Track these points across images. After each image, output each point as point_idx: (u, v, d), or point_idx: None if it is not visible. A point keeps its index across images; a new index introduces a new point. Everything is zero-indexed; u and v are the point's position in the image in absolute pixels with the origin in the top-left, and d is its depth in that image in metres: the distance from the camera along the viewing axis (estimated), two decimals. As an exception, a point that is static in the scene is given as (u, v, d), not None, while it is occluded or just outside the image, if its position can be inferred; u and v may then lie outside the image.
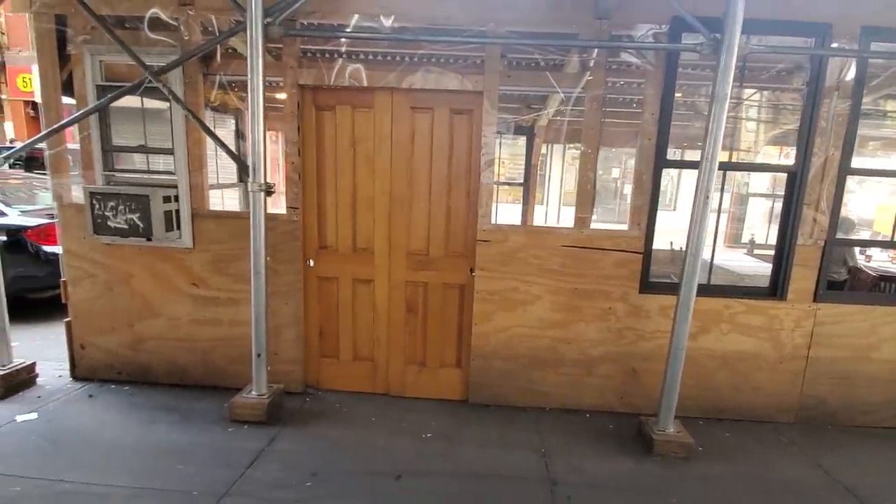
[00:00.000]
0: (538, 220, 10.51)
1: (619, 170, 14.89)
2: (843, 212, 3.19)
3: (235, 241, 3.20)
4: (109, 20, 2.94)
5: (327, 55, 3.14)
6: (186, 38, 3.01)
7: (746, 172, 8.45)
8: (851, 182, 3.12)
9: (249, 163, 2.77)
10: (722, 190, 3.26)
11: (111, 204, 3.06)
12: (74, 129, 3.22)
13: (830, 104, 2.95)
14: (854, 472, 2.78)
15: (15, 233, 4.55)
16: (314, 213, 3.28)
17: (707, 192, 2.61)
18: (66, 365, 3.46)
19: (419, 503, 2.37)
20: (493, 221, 3.16)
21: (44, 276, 4.56)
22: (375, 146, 3.18)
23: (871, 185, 8.52)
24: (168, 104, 3.11)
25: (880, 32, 2.86)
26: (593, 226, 3.16)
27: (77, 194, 3.24)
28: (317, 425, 3.01)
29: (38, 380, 3.38)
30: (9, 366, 3.23)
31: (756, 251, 6.27)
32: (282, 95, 3.13)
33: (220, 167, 4.26)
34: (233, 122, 4.82)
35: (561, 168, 13.57)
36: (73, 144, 3.34)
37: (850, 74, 2.94)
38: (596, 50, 2.96)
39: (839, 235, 3.20)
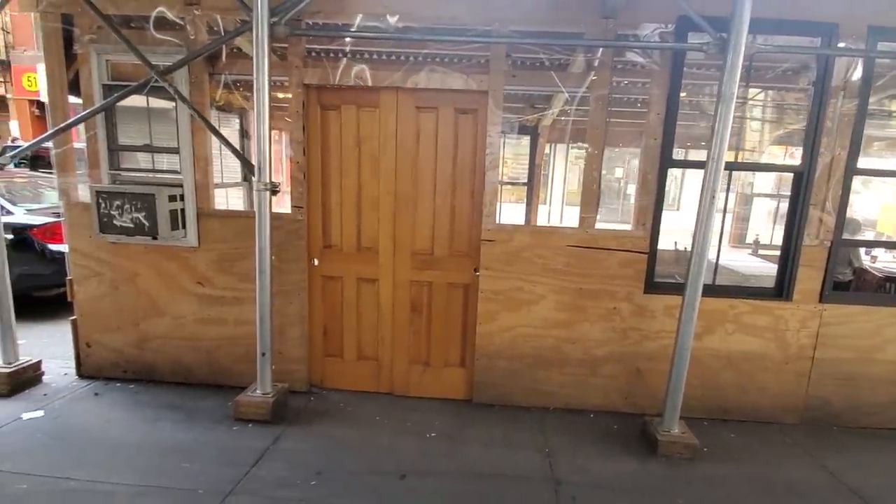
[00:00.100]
0: (541, 219, 10.50)
1: (623, 169, 14.86)
2: (849, 212, 3.17)
3: (240, 240, 3.21)
4: (115, 19, 2.95)
5: (332, 55, 3.14)
6: (192, 37, 3.02)
7: (751, 172, 8.42)
8: (856, 182, 3.11)
9: (255, 162, 2.78)
10: (728, 190, 3.25)
11: (117, 203, 3.07)
12: (80, 128, 3.24)
13: (837, 104, 2.94)
14: (859, 474, 2.77)
15: (21, 231, 4.57)
16: (319, 212, 3.28)
17: (713, 192, 2.60)
18: (72, 363, 3.48)
19: (423, 503, 2.37)
20: (497, 221, 3.16)
21: (49, 274, 4.58)
22: (380, 146, 3.18)
23: (875, 186, 8.48)
24: (173, 103, 3.12)
25: (887, 32, 2.85)
26: (597, 226, 3.15)
27: (83, 193, 3.25)
28: (321, 424, 3.02)
29: (43, 378, 3.40)
30: (15, 364, 3.25)
31: (760, 251, 6.25)
32: (287, 95, 3.13)
33: (225, 166, 4.26)
34: (237, 121, 4.82)
35: (564, 168, 13.56)
36: (80, 143, 3.36)
37: (857, 74, 2.92)
38: (601, 49, 2.95)
39: (845, 236, 3.18)
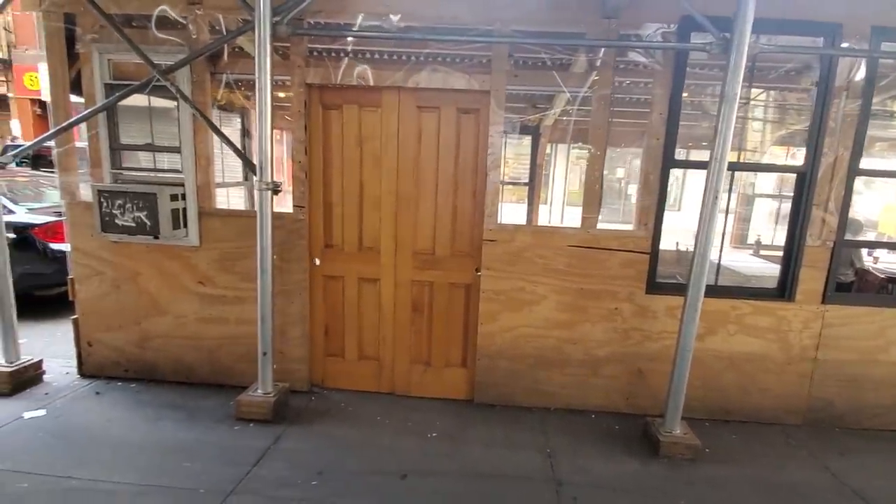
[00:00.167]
0: (542, 220, 10.49)
1: (624, 170, 14.84)
2: (851, 213, 3.16)
3: (242, 239, 3.21)
4: (118, 19, 2.95)
5: (334, 54, 3.14)
6: (194, 36, 3.02)
7: (752, 172, 8.40)
8: (858, 183, 3.10)
9: (256, 161, 2.78)
10: (730, 190, 3.24)
11: (119, 202, 3.07)
12: (82, 127, 3.24)
13: (840, 104, 2.93)
14: (862, 475, 2.76)
15: (22, 230, 4.57)
16: (320, 211, 3.28)
17: (716, 192, 2.59)
18: (74, 362, 3.48)
19: (425, 503, 2.37)
20: (498, 221, 3.16)
21: (51, 273, 4.58)
22: (382, 145, 3.17)
23: (876, 187, 8.46)
24: (175, 103, 3.12)
25: (890, 32, 2.84)
26: (599, 226, 3.15)
27: (85, 192, 3.25)
28: (322, 424, 3.02)
29: (45, 377, 3.40)
30: (16, 363, 3.25)
31: (762, 252, 6.24)
32: (289, 94, 3.13)
33: (226, 166, 4.27)
34: (239, 120, 4.82)
35: (565, 168, 13.55)
36: (81, 143, 3.36)
37: (860, 74, 2.92)
38: (603, 49, 2.95)
39: (847, 237, 3.18)
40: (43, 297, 4.74)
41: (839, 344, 3.17)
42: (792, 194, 3.16)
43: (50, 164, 5.08)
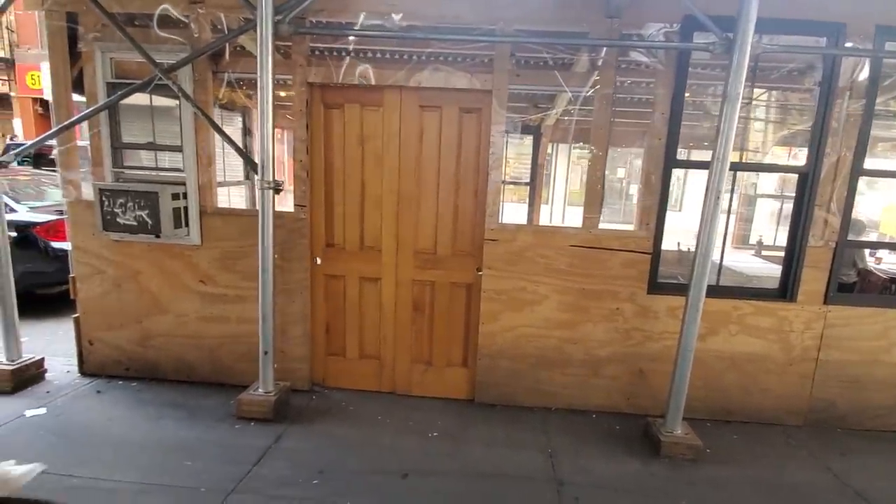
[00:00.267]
0: (544, 219, 10.48)
1: (626, 170, 14.82)
2: (853, 213, 3.15)
3: (243, 238, 3.21)
4: (120, 17, 2.95)
5: (336, 53, 3.14)
6: (196, 35, 3.02)
7: (754, 173, 8.39)
8: (861, 183, 3.09)
9: (258, 160, 2.78)
10: (732, 191, 3.23)
11: (120, 201, 3.07)
12: (83, 126, 3.24)
13: (843, 104, 2.92)
14: (864, 476, 2.75)
15: (24, 229, 4.58)
16: (322, 210, 3.28)
17: (718, 192, 2.59)
18: (75, 360, 3.49)
19: (426, 502, 2.37)
20: (500, 221, 3.16)
21: (52, 271, 4.59)
22: (384, 144, 3.17)
23: (879, 187, 8.45)
24: (177, 101, 3.12)
25: (895, 32, 2.82)
26: (601, 226, 3.14)
27: (86, 191, 3.26)
28: (323, 423, 3.02)
29: (46, 375, 3.40)
30: (18, 361, 3.26)
31: (764, 252, 6.23)
32: (290, 93, 3.13)
33: (228, 165, 4.27)
34: (240, 119, 4.83)
35: (567, 168, 13.54)
36: (83, 141, 3.36)
37: (864, 74, 2.90)
38: (605, 49, 2.94)
39: (850, 237, 3.17)
40: (44, 295, 4.75)
41: (841, 345, 3.16)
42: (794, 194, 3.16)
43: (52, 163, 5.09)
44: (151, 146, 3.34)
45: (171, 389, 3.33)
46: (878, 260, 5.44)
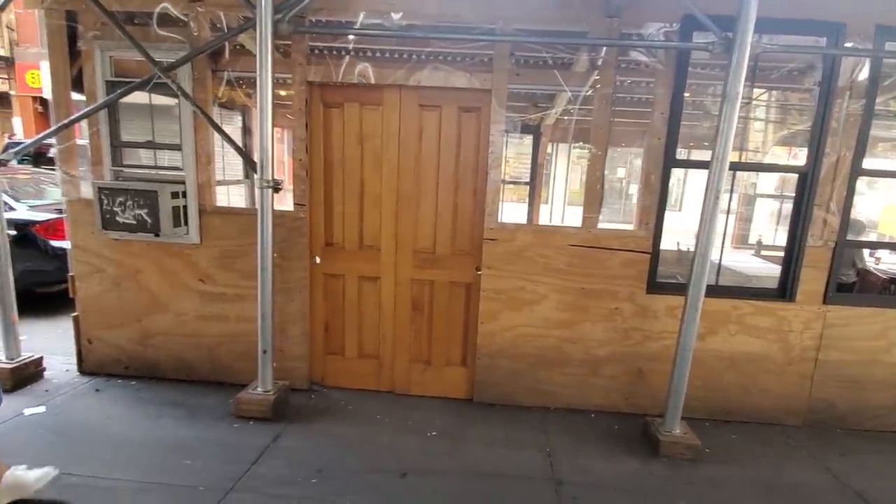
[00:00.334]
0: (543, 219, 10.48)
1: (626, 169, 14.82)
2: (853, 213, 3.15)
3: (242, 237, 3.21)
4: (119, 16, 2.95)
5: (335, 52, 3.14)
6: (195, 34, 3.02)
7: (754, 173, 8.38)
8: (860, 183, 3.09)
9: (257, 159, 2.77)
10: (731, 190, 3.23)
11: (119, 199, 3.07)
12: (83, 124, 3.24)
13: (843, 104, 2.92)
14: (863, 477, 2.75)
15: (23, 227, 4.58)
16: (321, 209, 3.28)
17: (717, 192, 2.58)
18: (74, 359, 3.49)
19: (424, 501, 2.37)
20: (499, 220, 3.15)
21: (52, 270, 4.58)
22: (383, 143, 3.17)
23: (878, 187, 8.45)
24: (176, 100, 3.12)
25: (895, 31, 2.82)
26: (600, 225, 3.14)
27: (86, 190, 3.25)
28: (322, 422, 3.02)
29: (45, 374, 3.40)
30: (17, 360, 3.26)
31: (763, 252, 6.23)
32: (290, 92, 3.13)
33: (227, 163, 4.26)
34: (240, 118, 4.82)
35: (566, 167, 13.52)
36: (82, 140, 3.36)
37: (864, 74, 2.90)
38: (605, 48, 2.94)
39: (849, 237, 3.17)
40: (44, 294, 4.74)
41: (840, 345, 3.16)
42: (793, 194, 3.16)
43: (51, 162, 5.10)
44: (151, 145, 3.34)
45: (171, 388, 3.33)
46: (878, 260, 5.44)
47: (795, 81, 3.91)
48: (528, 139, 6.24)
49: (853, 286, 4.30)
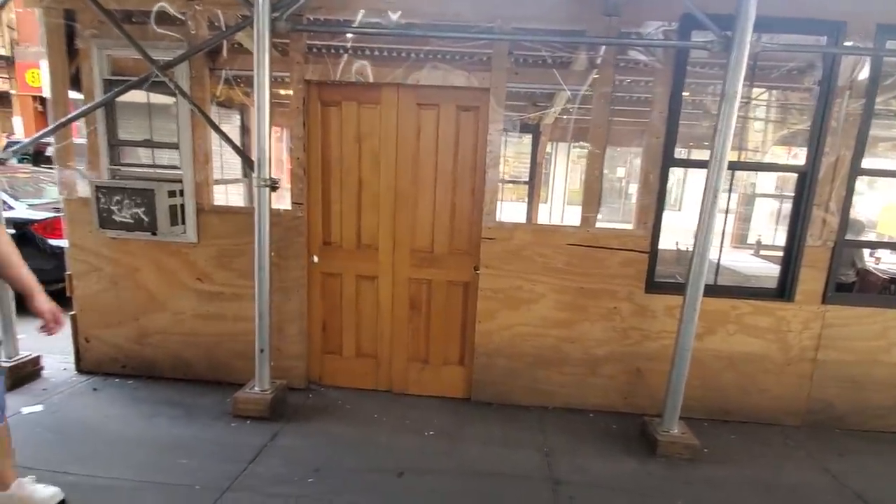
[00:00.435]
0: (542, 218, 10.47)
1: (625, 168, 14.80)
2: (852, 213, 3.14)
3: (240, 236, 3.20)
4: (117, 14, 2.94)
5: (333, 51, 3.13)
6: (193, 32, 3.01)
7: (753, 172, 8.37)
8: (860, 183, 3.08)
9: (255, 158, 2.77)
10: (730, 190, 3.22)
11: (117, 198, 3.06)
12: (81, 123, 3.23)
13: (842, 104, 2.91)
14: (862, 477, 2.74)
15: (22, 226, 4.58)
16: (319, 209, 3.27)
17: (716, 191, 2.58)
18: (71, 358, 3.48)
19: (421, 501, 2.37)
20: (497, 219, 3.15)
21: (50, 269, 4.56)
22: (381, 142, 3.16)
23: (877, 187, 8.43)
24: (174, 99, 3.12)
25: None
26: (599, 225, 3.13)
27: (83, 188, 3.25)
28: (319, 421, 3.01)
29: (43, 372, 3.40)
30: (15, 358, 3.26)
31: (762, 252, 6.22)
32: (287, 91, 3.12)
33: (225, 162, 4.25)
34: (237, 117, 4.81)
35: (566, 166, 13.51)
36: (80, 139, 3.35)
37: (864, 73, 2.89)
38: (604, 47, 2.93)
39: (849, 237, 3.16)
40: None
41: (839, 345, 3.15)
42: (793, 194, 3.15)
43: (49, 160, 5.10)
44: (148, 143, 3.34)
45: (168, 387, 3.32)
46: (878, 260, 5.42)
47: (795, 81, 3.90)
48: (527, 138, 6.23)
49: (853, 286, 4.29)
